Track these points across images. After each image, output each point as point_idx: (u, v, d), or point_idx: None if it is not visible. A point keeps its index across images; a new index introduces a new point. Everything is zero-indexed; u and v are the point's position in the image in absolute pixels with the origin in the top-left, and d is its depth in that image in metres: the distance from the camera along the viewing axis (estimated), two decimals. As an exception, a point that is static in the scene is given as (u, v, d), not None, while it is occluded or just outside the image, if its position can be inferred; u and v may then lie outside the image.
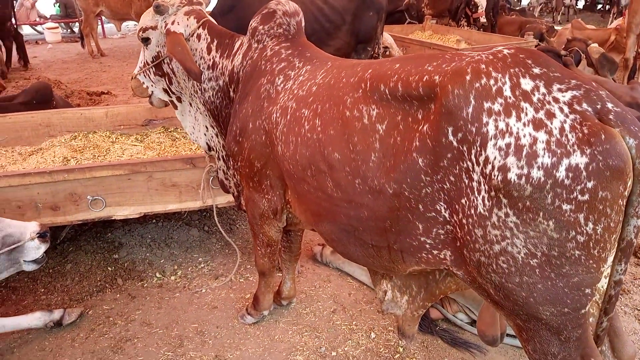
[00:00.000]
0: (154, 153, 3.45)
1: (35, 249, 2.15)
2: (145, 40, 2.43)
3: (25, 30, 13.08)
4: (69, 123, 3.73)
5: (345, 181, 1.67)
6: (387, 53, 6.16)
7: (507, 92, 1.30)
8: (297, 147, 1.86)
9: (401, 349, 2.50)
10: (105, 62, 10.09)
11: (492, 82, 1.32)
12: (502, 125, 1.28)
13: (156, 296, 2.94)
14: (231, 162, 2.52)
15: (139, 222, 3.59)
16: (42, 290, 2.98)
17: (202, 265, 3.24)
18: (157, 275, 3.13)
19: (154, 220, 3.63)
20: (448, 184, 1.41)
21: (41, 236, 2.16)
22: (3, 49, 8.89)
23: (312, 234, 3.42)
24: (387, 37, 6.16)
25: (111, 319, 2.75)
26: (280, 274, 2.81)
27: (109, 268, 3.16)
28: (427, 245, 1.56)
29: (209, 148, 2.67)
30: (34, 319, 2.59)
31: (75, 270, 3.12)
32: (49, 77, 8.03)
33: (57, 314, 2.63)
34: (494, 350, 2.45)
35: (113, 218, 2.81)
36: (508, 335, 2.03)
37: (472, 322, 2.61)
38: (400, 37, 7.19)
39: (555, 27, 8.89)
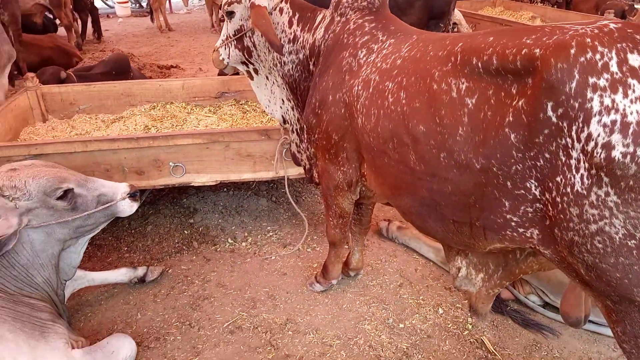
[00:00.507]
0: (227, 124, 3.57)
1: (129, 207, 2.31)
2: (230, 14, 2.50)
3: (97, 5, 13.65)
4: (148, 93, 3.91)
5: (430, 154, 1.67)
6: (456, 30, 5.98)
7: (614, 67, 1.25)
8: (379, 119, 1.88)
9: (470, 326, 2.50)
10: (172, 36, 10.40)
11: (597, 56, 1.27)
12: (607, 101, 1.24)
13: (229, 260, 3.08)
14: (305, 135, 2.57)
15: (211, 190, 3.76)
16: (125, 248, 3.20)
17: (271, 233, 3.35)
18: (229, 240, 3.28)
19: (225, 189, 3.78)
20: (542, 161, 1.39)
21: (131, 196, 2.32)
22: (79, 21, 9.35)
23: (378, 209, 3.45)
24: (456, 13, 5.97)
25: (189, 278, 2.92)
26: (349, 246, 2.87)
27: (185, 231, 3.34)
28: (513, 223, 1.55)
29: (284, 121, 2.74)
30: (120, 275, 2.80)
31: (155, 232, 3.33)
32: (122, 49, 8.39)
33: (140, 271, 2.83)
34: (567, 334, 2.41)
35: (192, 184, 2.96)
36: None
37: (545, 305, 2.57)
38: (469, 13, 6.94)
39: (636, 6, 8.26)
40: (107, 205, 2.23)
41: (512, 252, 1.86)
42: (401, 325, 2.53)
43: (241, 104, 3.98)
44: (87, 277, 2.68)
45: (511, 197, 1.51)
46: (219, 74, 4.43)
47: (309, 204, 3.73)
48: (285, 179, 2.98)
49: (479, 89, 1.55)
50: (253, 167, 2.96)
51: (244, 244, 3.26)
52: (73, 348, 2.10)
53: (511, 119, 1.44)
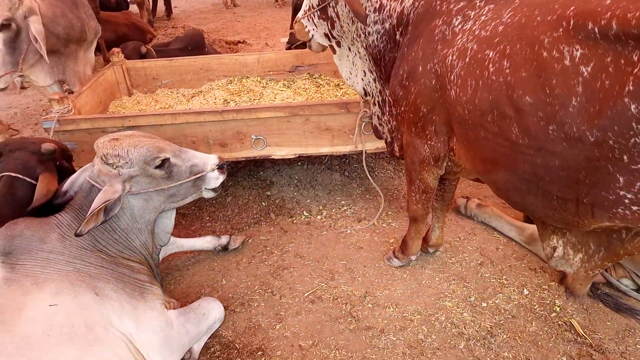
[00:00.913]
0: (302, 99, 3.59)
1: (215, 179, 2.38)
2: (313, -16, 2.48)
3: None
4: (225, 68, 4.00)
5: (536, 127, 1.60)
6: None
7: None
8: (476, 91, 1.81)
9: (558, 309, 2.42)
10: (238, 12, 10.53)
11: None
12: None
13: (305, 232, 3.14)
14: (387, 108, 2.53)
15: (286, 164, 3.81)
16: (207, 218, 3.33)
17: (345, 208, 3.37)
18: (305, 213, 3.33)
19: (300, 163, 3.82)
20: (666, 134, 1.29)
21: (220, 168, 2.39)
22: (150, -1, 9.67)
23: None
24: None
25: (268, 248, 3.00)
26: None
27: (262, 203, 3.43)
28: (626, 200, 1.45)
29: (365, 93, 2.71)
30: (206, 242, 2.92)
31: (234, 203, 3.44)
32: (191, 26, 8.60)
33: (224, 240, 2.94)
34: (667, 321, 2.27)
35: (271, 157, 3.01)
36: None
37: (639, 289, 2.43)
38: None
39: None
40: (198, 175, 2.31)
41: (617, 232, 1.76)
42: (484, 304, 2.48)
43: (314, 78, 3.98)
44: (177, 243, 2.82)
45: (627, 172, 1.42)
46: (287, 49, 4.45)
47: (382, 179, 3.70)
48: (364, 153, 2.96)
49: (595, 56, 1.44)
50: (331, 141, 2.97)
51: (319, 217, 3.29)
52: (167, 309, 2.24)
53: (631, 88, 1.34)
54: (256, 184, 3.62)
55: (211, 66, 3.97)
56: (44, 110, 5.51)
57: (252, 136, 2.91)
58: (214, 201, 3.47)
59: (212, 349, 2.34)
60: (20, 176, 2.27)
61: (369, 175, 2.97)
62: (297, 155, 3.02)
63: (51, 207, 2.20)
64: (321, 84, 3.87)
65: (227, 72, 3.99)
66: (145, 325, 2.04)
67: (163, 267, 2.85)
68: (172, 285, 2.75)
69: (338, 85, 3.79)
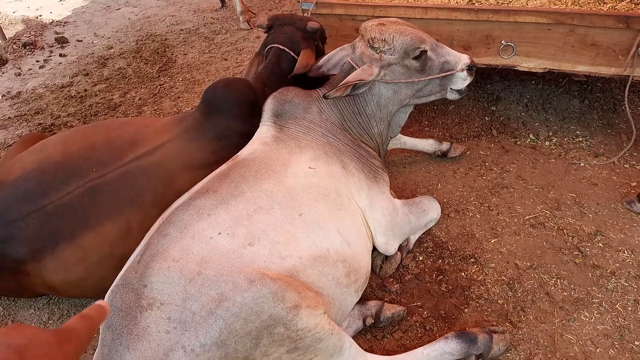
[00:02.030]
0: (576, 6, 3.14)
1: (462, 80, 2.30)
2: None
3: None
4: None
5: None
6: None
7: None
8: None
9: None
10: None
11: None
12: None
13: (530, 156, 2.94)
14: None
15: (518, 80, 3.53)
16: (426, 122, 3.32)
17: (580, 139, 3.03)
18: (531, 136, 3.09)
19: (534, 81, 3.50)
20: None
21: (469, 69, 2.29)
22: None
23: None
24: None
25: (487, 164, 2.90)
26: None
27: (485, 118, 3.27)
28: None
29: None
30: (427, 144, 2.93)
31: (456, 112, 3.35)
32: None
33: (445, 146, 2.92)
34: None
35: (516, 68, 2.79)
36: None
37: None
38: None
39: None
40: (448, 73, 2.25)
41: None
42: None
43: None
44: (401, 139, 2.89)
45: None
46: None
47: (633, 115, 3.20)
48: (629, 79, 2.55)
49: None
50: (593, 60, 2.61)
51: (547, 143, 3.04)
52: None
53: None
54: (482, 96, 3.44)
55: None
56: (277, -2, 5.90)
57: (503, 42, 2.70)
58: (434, 106, 3.42)
59: (425, 244, 2.42)
60: (286, 49, 2.49)
61: (627, 106, 2.58)
62: (547, 69, 2.74)
63: (306, 80, 2.39)
64: (580, -5, 3.35)
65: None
66: (376, 205, 2.19)
67: (383, 160, 2.97)
68: (390, 179, 2.84)
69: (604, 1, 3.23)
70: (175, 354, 1.50)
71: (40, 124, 3.81)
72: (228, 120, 2.20)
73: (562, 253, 2.29)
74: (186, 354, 1.49)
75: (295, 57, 2.47)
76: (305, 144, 2.09)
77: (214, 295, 1.54)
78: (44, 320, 2.20)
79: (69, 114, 3.92)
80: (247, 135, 2.16)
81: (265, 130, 2.14)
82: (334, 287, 1.82)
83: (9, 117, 3.94)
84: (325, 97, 2.10)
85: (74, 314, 2.21)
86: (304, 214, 1.85)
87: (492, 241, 2.40)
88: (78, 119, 3.85)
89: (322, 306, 1.66)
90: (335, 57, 2.36)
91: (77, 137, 2.16)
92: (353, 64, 2.20)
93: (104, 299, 1.66)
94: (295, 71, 2.35)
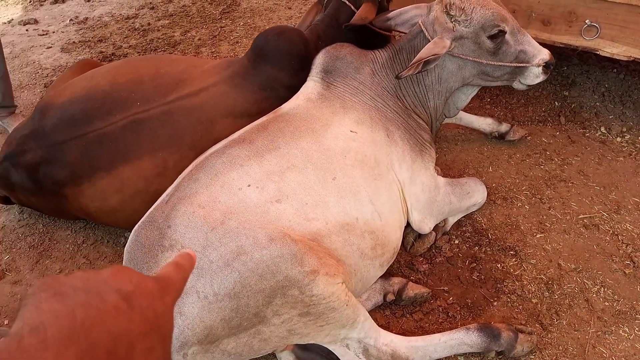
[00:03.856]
0: None
1: (535, 76, 2.08)
2: None
3: None
4: None
5: None
6: None
7: None
8: None
9: None
10: None
11: None
12: None
13: (597, 151, 2.69)
14: None
15: (598, 66, 3.21)
16: (488, 100, 3.10)
17: (657, 140, 2.75)
18: (602, 129, 2.83)
19: (615, 70, 3.17)
20: None
21: (546, 66, 2.07)
22: None
23: None
24: None
25: (548, 153, 2.69)
26: None
27: (555, 102, 3.02)
28: None
29: None
30: (484, 123, 2.75)
31: (523, 92, 3.10)
32: None
33: (504, 127, 2.72)
34: None
35: (597, 52, 2.51)
36: None
37: None
38: None
39: None
40: (521, 64, 2.05)
41: None
42: None
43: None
44: (457, 114, 2.71)
45: None
46: None
47: None
48: None
49: None
50: (691, 53, 2.30)
51: (618, 139, 2.77)
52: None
53: None
54: (555, 78, 3.16)
55: None
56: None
57: (587, 21, 2.43)
58: (501, 84, 3.18)
59: (464, 228, 2.30)
60: (347, 2, 2.35)
61: None
62: (632, 58, 2.45)
63: (364, 40, 2.25)
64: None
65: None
66: (417, 180, 2.07)
67: (435, 133, 2.82)
68: (438, 154, 2.71)
69: None
70: (189, 298, 1.50)
71: (101, 52, 3.88)
72: (276, 71, 2.12)
73: (612, 260, 2.11)
74: (199, 299, 1.49)
75: (356, 11, 2.33)
76: (351, 106, 1.99)
77: (233, 247, 1.51)
78: (78, 243, 2.29)
79: (130, 46, 3.97)
80: (293, 89, 2.08)
81: (311, 85, 2.05)
82: (358, 258, 1.75)
83: (74, 42, 4.04)
84: (398, 77, 1.97)
85: (108, 241, 2.30)
86: (337, 179, 1.78)
87: (538, 236, 2.25)
88: (137, 52, 3.89)
89: (340, 275, 1.60)
90: (407, 13, 2.20)
91: (126, 69, 2.15)
92: (423, 27, 2.03)
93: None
94: (352, 21, 2.21)
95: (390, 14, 2.21)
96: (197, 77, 2.11)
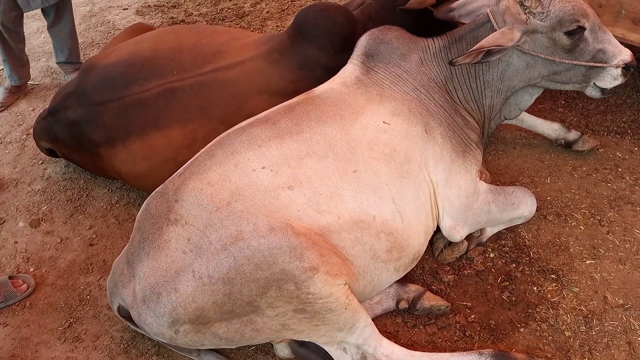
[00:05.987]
0: None
1: (613, 79, 1.83)
2: None
3: None
4: None
5: None
6: None
7: None
8: None
9: None
10: None
11: None
12: None
13: (681, 174, 2.33)
14: None
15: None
16: (563, 102, 2.79)
17: None
18: (693, 150, 2.44)
19: None
20: None
21: (626, 68, 1.80)
22: None
23: None
24: None
25: (620, 170, 2.37)
26: None
27: (639, 114, 2.65)
28: None
29: None
30: (550, 129, 2.46)
31: (604, 98, 2.74)
32: None
33: (572, 135, 2.43)
34: None
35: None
36: None
37: None
38: None
39: None
40: (599, 64, 1.80)
41: None
42: None
43: None
44: (520, 115, 2.45)
45: None
46: None
47: None
48: None
49: None
50: None
51: None
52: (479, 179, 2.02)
53: None
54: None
55: None
56: None
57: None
58: (579, 86, 2.84)
59: (503, 242, 2.10)
60: (407, -18, 2.16)
61: None
62: None
63: (422, 24, 2.07)
64: None
65: None
66: (453, 183, 1.90)
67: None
68: (491, 157, 2.49)
69: None
70: (185, 276, 1.48)
71: (172, 17, 3.96)
72: (315, 50, 2.02)
73: (671, 305, 1.82)
74: (194, 279, 1.47)
75: (413, -7, 2.15)
76: (389, 95, 1.84)
77: (233, 231, 1.46)
78: (112, 202, 2.36)
79: (200, 14, 4.01)
80: (332, 71, 1.97)
81: (350, 69, 1.92)
82: (369, 259, 1.64)
83: (149, 5, 4.15)
84: (451, 63, 1.79)
85: (140, 204, 2.34)
86: (358, 171, 1.66)
87: (587, 262, 1.99)
88: (207, 20, 3.92)
89: (343, 276, 1.50)
90: (473, 3, 1.98)
91: (169, 36, 2.15)
92: (492, 17, 1.82)
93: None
94: (407, 5, 2.03)
95: (454, 4, 2.01)
96: (235, 50, 2.05)
